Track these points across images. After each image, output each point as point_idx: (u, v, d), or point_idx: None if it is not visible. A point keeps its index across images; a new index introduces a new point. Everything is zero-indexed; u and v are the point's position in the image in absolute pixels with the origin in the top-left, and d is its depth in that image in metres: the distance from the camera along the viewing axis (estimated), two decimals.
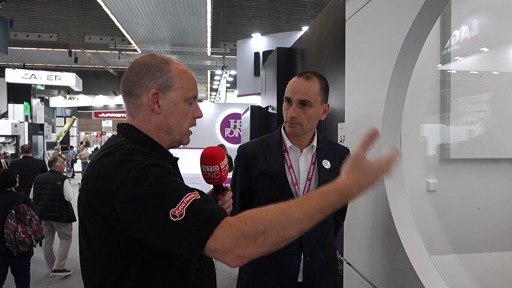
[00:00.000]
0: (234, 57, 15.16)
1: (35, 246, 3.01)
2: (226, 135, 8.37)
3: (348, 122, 1.44)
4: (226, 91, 18.20)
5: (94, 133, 31.05)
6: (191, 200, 0.74)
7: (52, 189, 3.84)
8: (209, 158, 1.02)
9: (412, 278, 0.91)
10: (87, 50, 15.79)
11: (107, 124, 29.56)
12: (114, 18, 12.45)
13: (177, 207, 0.72)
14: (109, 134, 30.54)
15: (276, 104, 4.02)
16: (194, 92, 0.97)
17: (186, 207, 0.72)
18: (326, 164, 1.39)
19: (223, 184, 1.09)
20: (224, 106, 9.28)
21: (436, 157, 1.39)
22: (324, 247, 1.40)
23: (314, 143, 1.42)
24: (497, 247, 1.29)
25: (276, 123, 3.98)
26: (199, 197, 0.76)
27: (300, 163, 1.40)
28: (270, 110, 4.43)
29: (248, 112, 4.59)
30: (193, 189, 0.78)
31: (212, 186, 1.09)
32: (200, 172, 1.06)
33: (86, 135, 29.70)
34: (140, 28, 13.50)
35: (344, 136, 1.80)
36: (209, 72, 21.13)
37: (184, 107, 0.95)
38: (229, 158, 4.76)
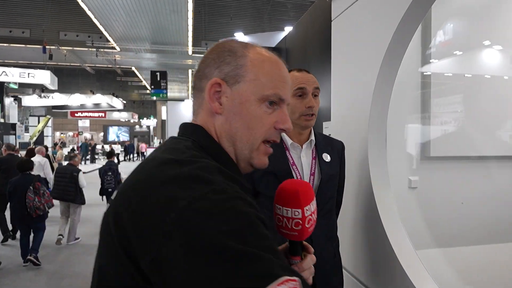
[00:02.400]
0: None
1: (47, 212, 4.28)
2: None
3: (334, 121, 1.45)
4: None
5: (70, 133, 30.02)
6: None
7: (70, 177, 4.97)
8: (290, 194, 0.69)
9: (398, 271, 0.93)
10: (63, 47, 15.23)
11: (84, 124, 28.63)
12: (91, 14, 12.07)
13: None
14: (86, 134, 29.70)
15: None
16: (277, 90, 0.65)
17: None
18: (326, 157, 1.38)
19: (306, 245, 0.73)
20: None
21: (417, 155, 1.44)
22: (331, 240, 1.38)
23: (312, 137, 1.40)
24: (476, 240, 1.35)
25: None
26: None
27: (302, 159, 1.38)
28: None
29: None
30: (292, 270, 0.47)
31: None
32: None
33: (62, 135, 28.67)
34: (118, 25, 13.16)
35: (330, 134, 1.83)
36: (190, 71, 20.89)
37: (257, 108, 0.64)
38: None
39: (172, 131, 8.36)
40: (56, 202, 4.77)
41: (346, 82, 1.34)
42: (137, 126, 33.61)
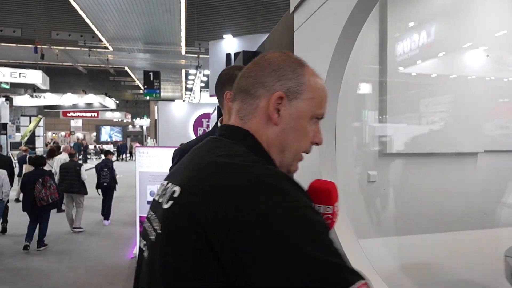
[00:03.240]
0: (209, 56, 15.14)
1: (52, 203, 4.93)
2: (199, 134, 8.43)
3: None
4: (201, 90, 18.12)
5: (62, 133, 29.81)
6: None
7: (73, 172, 5.81)
8: (324, 194, 0.75)
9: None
10: (54, 47, 15.17)
11: (77, 123, 28.47)
12: (84, 14, 12.08)
13: None
14: (79, 134, 29.52)
15: None
16: (323, 109, 0.73)
17: None
18: None
19: None
20: (197, 105, 9.32)
21: (376, 153, 1.57)
22: None
23: None
24: (428, 229, 1.49)
25: None
26: None
27: None
28: None
29: (216, 112, 4.77)
30: (358, 272, 0.51)
31: None
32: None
33: (54, 135, 28.47)
34: (111, 25, 13.18)
35: None
36: (183, 71, 20.93)
37: (307, 124, 0.71)
38: None
39: (163, 131, 8.42)
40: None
41: None
42: (130, 126, 33.47)
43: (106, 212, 6.35)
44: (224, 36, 7.20)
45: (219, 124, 1.48)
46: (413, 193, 1.53)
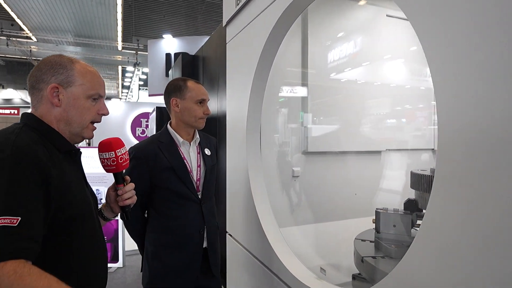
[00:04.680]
0: (148, 54, 14.54)
1: None
2: (137, 135, 8.12)
3: (228, 123, 1.77)
4: (139, 89, 17.33)
5: None
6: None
7: None
8: (106, 145, 1.13)
9: (266, 244, 1.24)
10: None
11: None
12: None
13: None
14: None
15: None
16: (97, 90, 1.06)
17: None
18: (208, 152, 1.78)
19: (124, 176, 1.18)
20: (135, 105, 8.98)
21: (299, 151, 1.80)
22: (214, 216, 1.78)
23: (197, 136, 1.78)
24: (338, 216, 1.74)
25: None
26: (15, 225, 0.78)
27: (191, 154, 1.73)
28: None
29: (155, 113, 4.75)
30: (17, 215, 0.80)
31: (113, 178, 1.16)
32: (105, 172, 1.15)
33: None
34: (34, 13, 11.92)
35: None
36: (120, 68, 19.79)
37: (85, 102, 1.04)
38: None
39: (100, 131, 7.91)
40: None
41: (234, 93, 1.65)
42: None
43: None
44: (164, 36, 7.07)
45: (168, 127, 1.69)
46: (327, 186, 1.78)
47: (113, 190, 1.21)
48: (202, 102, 1.70)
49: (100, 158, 1.14)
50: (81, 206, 1.03)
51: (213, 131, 2.79)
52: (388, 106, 2.08)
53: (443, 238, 0.61)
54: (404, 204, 1.24)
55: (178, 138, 1.70)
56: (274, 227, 1.28)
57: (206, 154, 1.76)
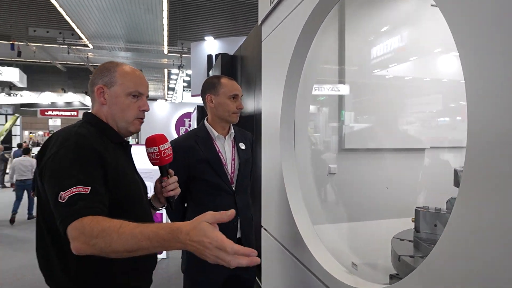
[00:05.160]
0: (191, 56, 15.11)
1: None
2: (181, 133, 8.49)
3: (263, 120, 1.79)
4: (183, 90, 18.05)
5: (40, 132, 28.91)
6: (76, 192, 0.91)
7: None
8: (151, 140, 1.24)
9: (299, 241, 1.25)
10: (32, 43, 14.77)
11: (55, 123, 27.69)
12: (63, 11, 11.87)
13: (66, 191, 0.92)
14: None
15: None
16: (136, 88, 1.17)
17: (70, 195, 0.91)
18: (242, 146, 1.85)
19: (168, 169, 1.28)
20: (179, 105, 9.38)
21: (336, 148, 1.77)
22: (248, 208, 1.84)
23: (232, 130, 1.85)
24: (374, 216, 1.68)
25: None
26: (87, 193, 0.93)
27: (226, 147, 1.81)
28: None
29: (196, 112, 4.97)
30: (88, 185, 0.95)
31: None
32: (152, 168, 1.26)
33: (31, 134, 27.57)
34: (91, 22, 12.99)
35: None
36: (166, 70, 20.80)
37: (125, 99, 1.15)
38: None
39: (146, 130, 8.45)
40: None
41: (268, 91, 1.67)
42: None
43: None
44: (205, 38, 7.32)
45: (205, 122, 1.78)
46: (365, 184, 1.73)
47: (159, 182, 1.32)
48: (235, 97, 1.75)
49: (147, 153, 1.25)
50: (133, 190, 1.17)
51: (249, 130, 2.84)
52: (439, 102, 1.95)
53: (470, 236, 0.58)
54: (447, 203, 1.17)
55: (214, 133, 1.79)
56: (308, 224, 1.28)
57: (240, 148, 1.82)
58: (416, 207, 1.21)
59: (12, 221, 6.65)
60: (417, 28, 1.86)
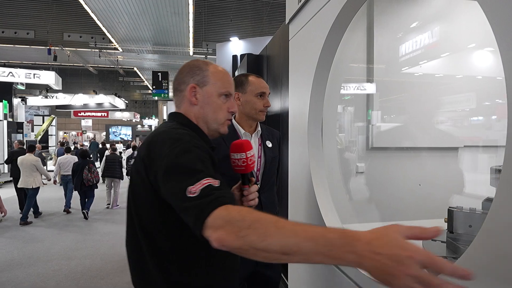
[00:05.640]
0: (216, 57, 15.33)
1: (95, 184, 7.03)
2: None
3: (290, 119, 1.79)
4: None
5: (74, 132, 30.39)
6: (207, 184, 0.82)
7: (118, 162, 7.94)
8: (237, 146, 1.16)
9: None
10: (66, 48, 15.58)
11: (87, 123, 29.02)
12: (94, 16, 12.43)
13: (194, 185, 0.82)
14: (89, 134, 30.03)
15: None
16: (227, 89, 1.11)
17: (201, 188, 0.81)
18: (269, 144, 1.85)
19: (250, 177, 1.20)
20: None
21: (363, 147, 1.75)
22: (274, 205, 1.84)
23: (259, 128, 1.86)
24: (405, 216, 1.64)
25: None
26: (218, 185, 0.83)
27: (252, 145, 1.78)
28: None
29: None
30: (217, 179, 0.85)
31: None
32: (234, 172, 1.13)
33: (65, 134, 29.05)
34: (121, 27, 13.51)
35: None
36: None
37: (217, 100, 1.09)
38: None
39: None
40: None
41: (296, 89, 1.67)
42: (139, 126, 33.91)
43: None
44: (230, 39, 7.41)
45: (232, 120, 1.82)
46: (394, 184, 1.69)
47: (238, 190, 1.23)
48: (262, 95, 1.76)
49: (231, 159, 1.16)
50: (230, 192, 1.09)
51: (276, 128, 2.85)
52: (473, 100, 1.87)
53: (507, 237, 0.56)
54: (483, 203, 1.13)
55: (240, 130, 1.81)
56: (337, 223, 1.28)
57: (267, 146, 1.83)
58: (450, 207, 1.18)
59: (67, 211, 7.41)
60: (449, 23, 1.80)
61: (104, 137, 31.46)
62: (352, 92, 1.75)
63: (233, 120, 1.84)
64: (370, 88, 1.80)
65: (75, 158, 7.38)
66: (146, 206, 1.00)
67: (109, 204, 7.76)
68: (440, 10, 1.82)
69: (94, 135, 29.85)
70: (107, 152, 9.19)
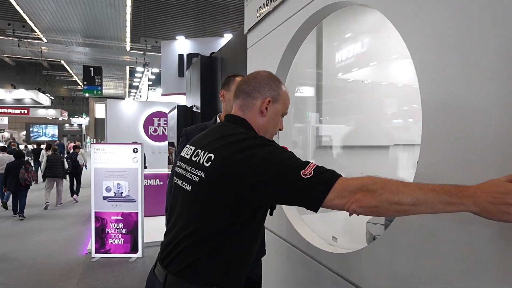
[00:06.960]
0: (156, 54, 14.73)
1: (31, 184, 6.89)
2: (150, 133, 8.32)
3: None
4: (148, 89, 17.53)
5: None
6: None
7: (60, 162, 7.74)
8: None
9: (292, 229, 1.41)
10: None
11: (2, 121, 25.45)
12: (13, 1, 11.04)
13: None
14: (6, 134, 26.26)
15: (200, 104, 4.51)
16: (287, 110, 1.22)
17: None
18: None
19: None
20: (147, 104, 9.17)
21: (314, 145, 1.97)
22: None
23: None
24: None
25: (200, 121, 4.41)
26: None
27: None
28: (194, 109, 4.93)
29: (175, 111, 4.95)
30: (308, 162, 0.92)
31: None
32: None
33: None
34: (46, 14, 12.21)
35: None
36: (128, 68, 20.05)
37: (278, 118, 1.18)
38: (144, 155, 5.11)
39: (113, 130, 8.18)
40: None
41: None
42: (66, 125, 30.84)
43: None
44: (176, 37, 7.28)
45: (217, 117, 1.80)
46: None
47: None
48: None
49: None
50: None
51: None
52: (394, 105, 2.21)
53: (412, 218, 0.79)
54: None
55: None
56: (295, 213, 1.45)
57: None
58: None
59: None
60: (380, 37, 2.10)
61: (24, 137, 27.78)
62: (300, 95, 1.96)
63: (218, 118, 1.83)
64: (308, 91, 2.03)
65: (11, 157, 7.17)
66: (218, 210, 1.01)
67: (47, 203, 7.53)
68: (372, 26, 2.13)
69: (11, 135, 26.29)
70: (45, 152, 8.98)
